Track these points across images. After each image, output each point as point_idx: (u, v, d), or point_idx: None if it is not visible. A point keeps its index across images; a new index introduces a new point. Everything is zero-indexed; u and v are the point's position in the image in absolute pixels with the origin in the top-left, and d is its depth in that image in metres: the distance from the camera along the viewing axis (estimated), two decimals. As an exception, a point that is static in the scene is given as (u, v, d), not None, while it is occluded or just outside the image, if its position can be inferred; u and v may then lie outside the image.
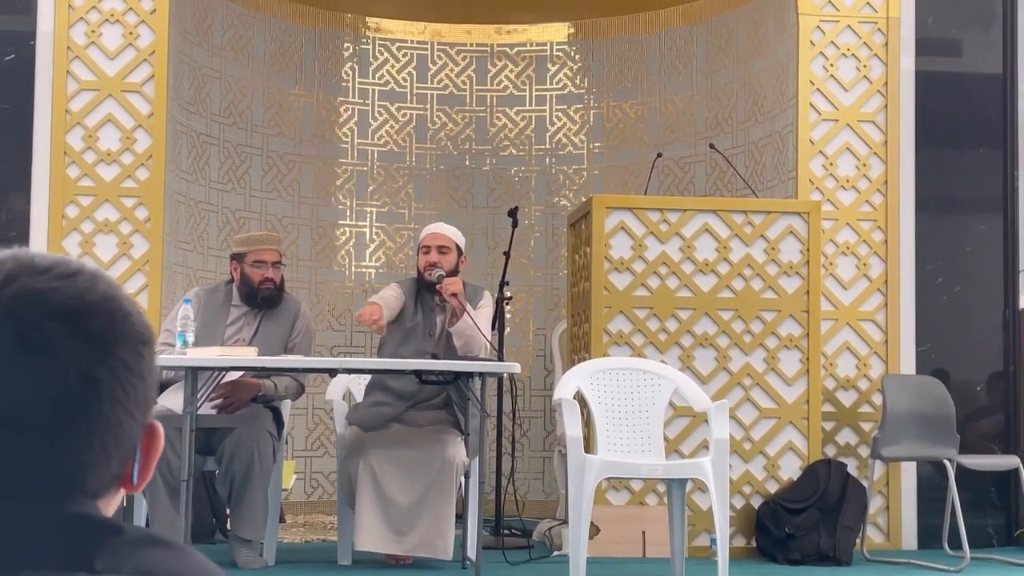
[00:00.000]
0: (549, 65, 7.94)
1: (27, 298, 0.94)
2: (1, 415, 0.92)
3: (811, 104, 6.34)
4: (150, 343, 1.01)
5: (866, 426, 6.19)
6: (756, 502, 5.78)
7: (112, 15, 6.10)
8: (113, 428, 0.96)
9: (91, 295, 0.97)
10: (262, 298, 5.16)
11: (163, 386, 5.00)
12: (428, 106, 7.91)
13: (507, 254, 6.25)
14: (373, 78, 7.83)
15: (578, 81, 7.91)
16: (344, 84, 7.76)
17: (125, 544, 0.92)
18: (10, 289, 0.94)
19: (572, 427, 4.63)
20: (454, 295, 5.04)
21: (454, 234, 5.29)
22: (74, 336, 0.94)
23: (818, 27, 6.37)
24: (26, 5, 6.09)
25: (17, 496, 0.93)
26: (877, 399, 6.14)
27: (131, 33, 6.10)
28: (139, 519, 4.84)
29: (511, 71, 7.97)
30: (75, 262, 0.99)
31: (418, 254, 5.32)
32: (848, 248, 6.31)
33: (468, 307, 5.07)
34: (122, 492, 1.01)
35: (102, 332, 0.96)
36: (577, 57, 7.92)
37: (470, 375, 4.78)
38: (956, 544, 5.71)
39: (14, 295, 0.94)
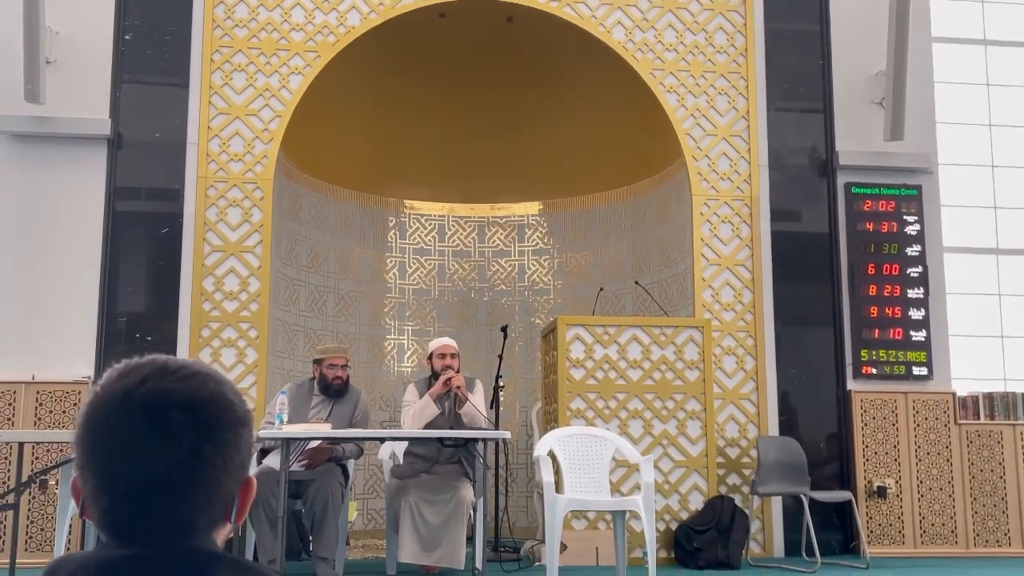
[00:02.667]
0: (526, 230, 7.96)
1: (156, 394, 0.93)
2: (140, 479, 0.91)
3: (702, 254, 6.38)
4: (247, 424, 0.97)
5: (747, 472, 6.14)
6: (673, 526, 5.73)
7: (234, 201, 6.16)
8: (215, 486, 0.94)
9: (203, 391, 0.95)
10: (334, 390, 5.13)
11: (267, 451, 4.96)
12: (446, 258, 7.90)
13: (500, 357, 6.23)
14: (409, 240, 7.83)
15: (546, 240, 7.92)
16: (389, 244, 7.75)
17: (228, 566, 0.91)
18: (145, 387, 0.93)
19: (547, 475, 4.61)
20: (459, 387, 5.05)
21: (455, 345, 5.31)
22: (189, 422, 0.92)
23: (705, 203, 6.45)
24: (176, 195, 6.15)
25: (156, 537, 0.91)
26: (753, 453, 6.12)
27: (247, 213, 6.15)
28: (249, 544, 4.75)
29: (500, 234, 7.98)
30: (196, 366, 0.97)
31: (431, 359, 5.26)
32: (730, 350, 6.30)
33: (469, 395, 5.07)
34: (228, 525, 0.98)
35: (210, 419, 0.94)
36: (545, 224, 7.94)
37: (476, 440, 4.75)
38: (811, 553, 5.68)
39: (147, 391, 0.93)
